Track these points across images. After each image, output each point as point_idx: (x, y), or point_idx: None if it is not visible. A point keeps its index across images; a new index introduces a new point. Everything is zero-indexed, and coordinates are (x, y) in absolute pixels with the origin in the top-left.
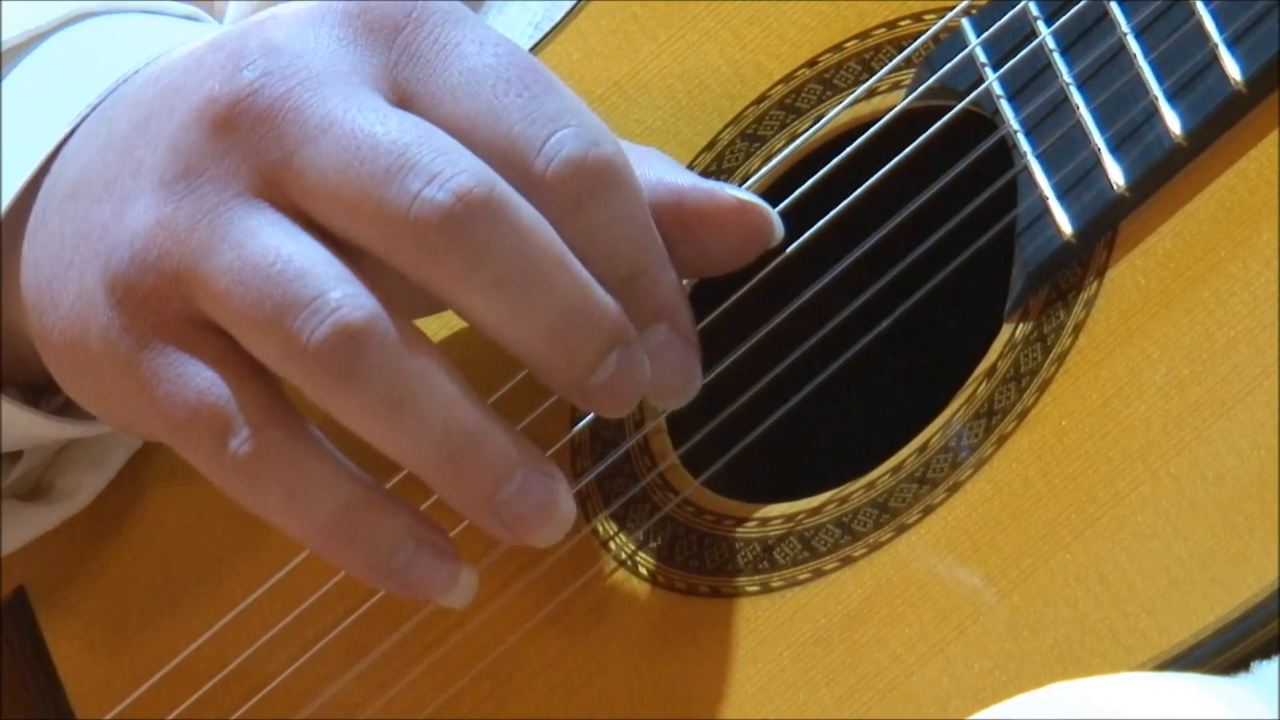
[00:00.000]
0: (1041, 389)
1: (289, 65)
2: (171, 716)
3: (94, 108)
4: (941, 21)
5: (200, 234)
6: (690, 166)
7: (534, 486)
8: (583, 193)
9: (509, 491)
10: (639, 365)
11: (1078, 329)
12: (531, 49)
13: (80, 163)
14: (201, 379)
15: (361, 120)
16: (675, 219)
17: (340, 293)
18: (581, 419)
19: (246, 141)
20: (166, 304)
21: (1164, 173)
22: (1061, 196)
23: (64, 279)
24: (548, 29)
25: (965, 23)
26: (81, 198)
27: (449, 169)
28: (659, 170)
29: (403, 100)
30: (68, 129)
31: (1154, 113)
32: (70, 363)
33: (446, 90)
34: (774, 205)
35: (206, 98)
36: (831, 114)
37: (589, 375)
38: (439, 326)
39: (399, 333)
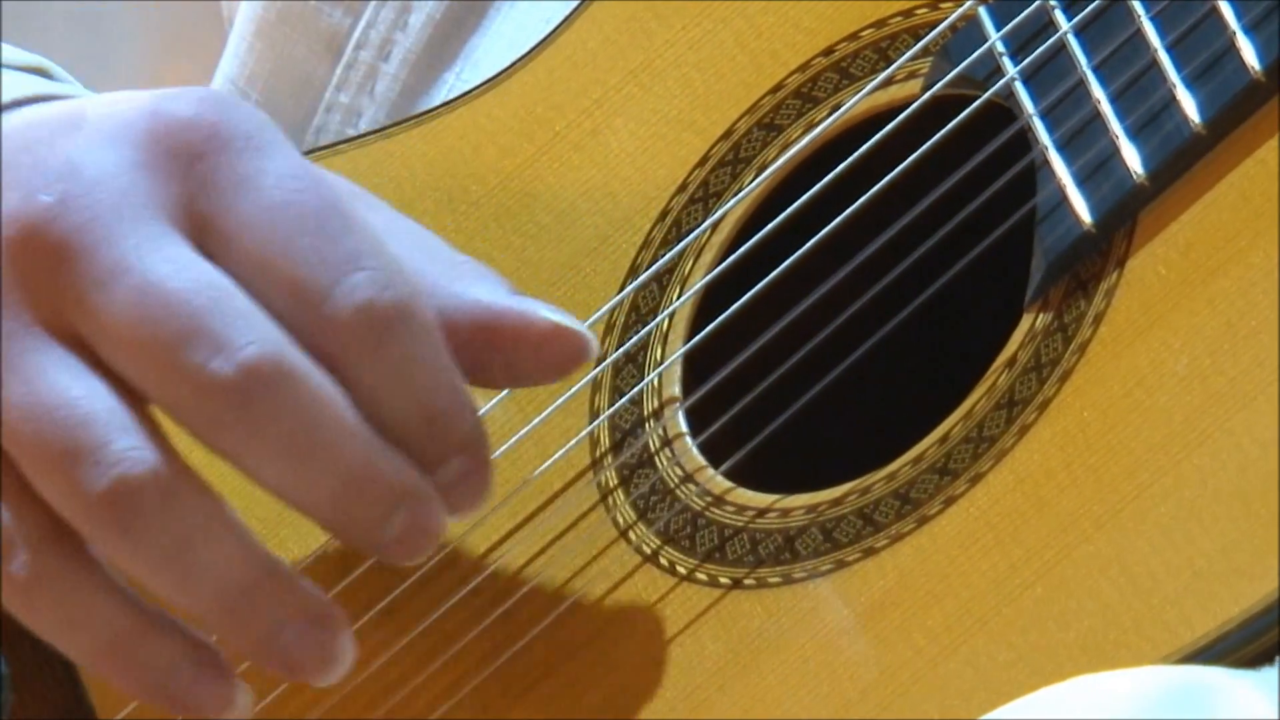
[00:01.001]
0: (1063, 379)
1: (86, 194)
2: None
3: None
4: (959, 10)
5: None
6: (707, 155)
7: (308, 636)
8: (374, 337)
9: (286, 638)
10: (428, 517)
11: (1098, 319)
12: (545, 38)
13: None
14: None
15: (153, 272)
16: (488, 340)
17: (123, 444)
18: (602, 412)
19: (38, 274)
20: None
21: (1184, 162)
22: (1081, 186)
23: None
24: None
25: (982, 11)
26: None
27: (237, 339)
28: (475, 290)
29: (199, 232)
30: None
31: (1173, 101)
32: None
33: (243, 229)
34: (794, 197)
35: (5, 216)
36: (850, 103)
37: (378, 535)
38: None
39: (180, 486)
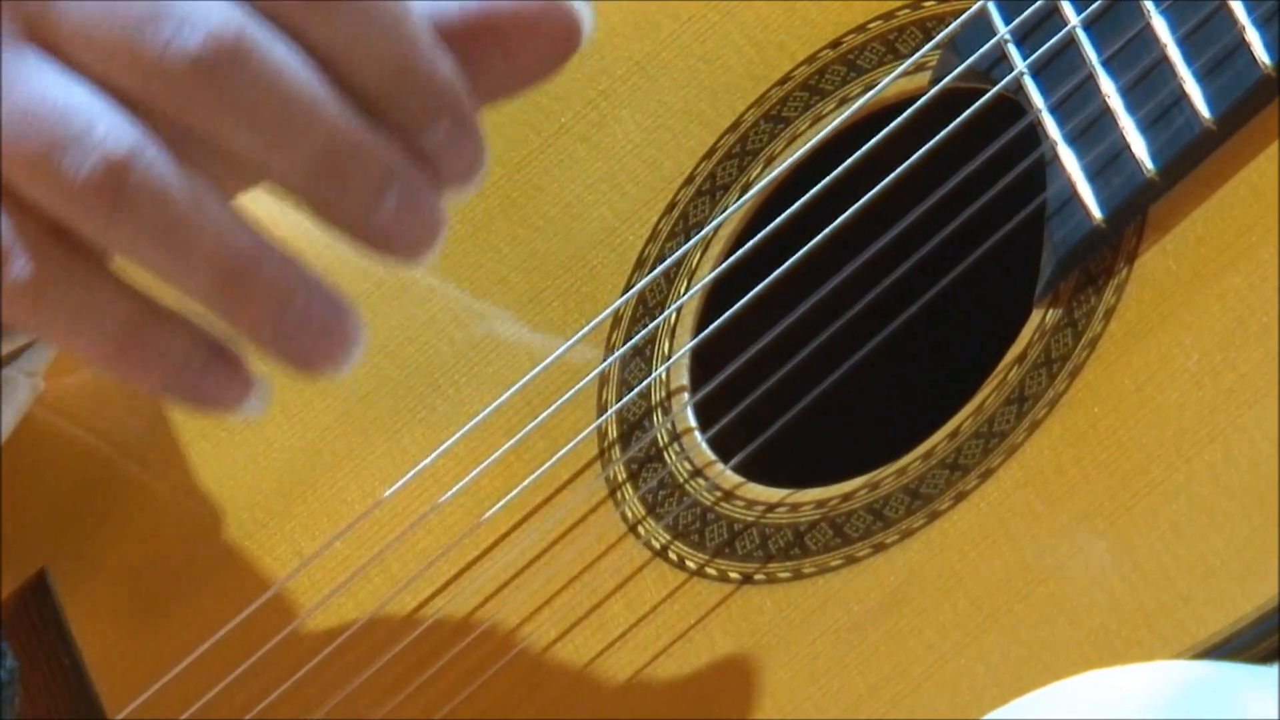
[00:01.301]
0: (1073, 375)
1: None
2: (199, 703)
3: None
4: (974, 8)
5: None
6: (714, 148)
7: (318, 308)
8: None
9: (294, 314)
10: (421, 195)
11: (1109, 314)
12: None
13: None
14: None
15: None
16: (484, 36)
17: (105, 125)
18: (610, 406)
19: None
20: None
21: (1194, 157)
22: (1091, 180)
23: None
24: None
25: (991, 4)
26: None
27: (197, 14)
28: None
29: None
30: None
31: (1183, 97)
32: None
33: None
34: (802, 190)
35: None
36: (861, 101)
37: (370, 213)
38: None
39: (166, 160)
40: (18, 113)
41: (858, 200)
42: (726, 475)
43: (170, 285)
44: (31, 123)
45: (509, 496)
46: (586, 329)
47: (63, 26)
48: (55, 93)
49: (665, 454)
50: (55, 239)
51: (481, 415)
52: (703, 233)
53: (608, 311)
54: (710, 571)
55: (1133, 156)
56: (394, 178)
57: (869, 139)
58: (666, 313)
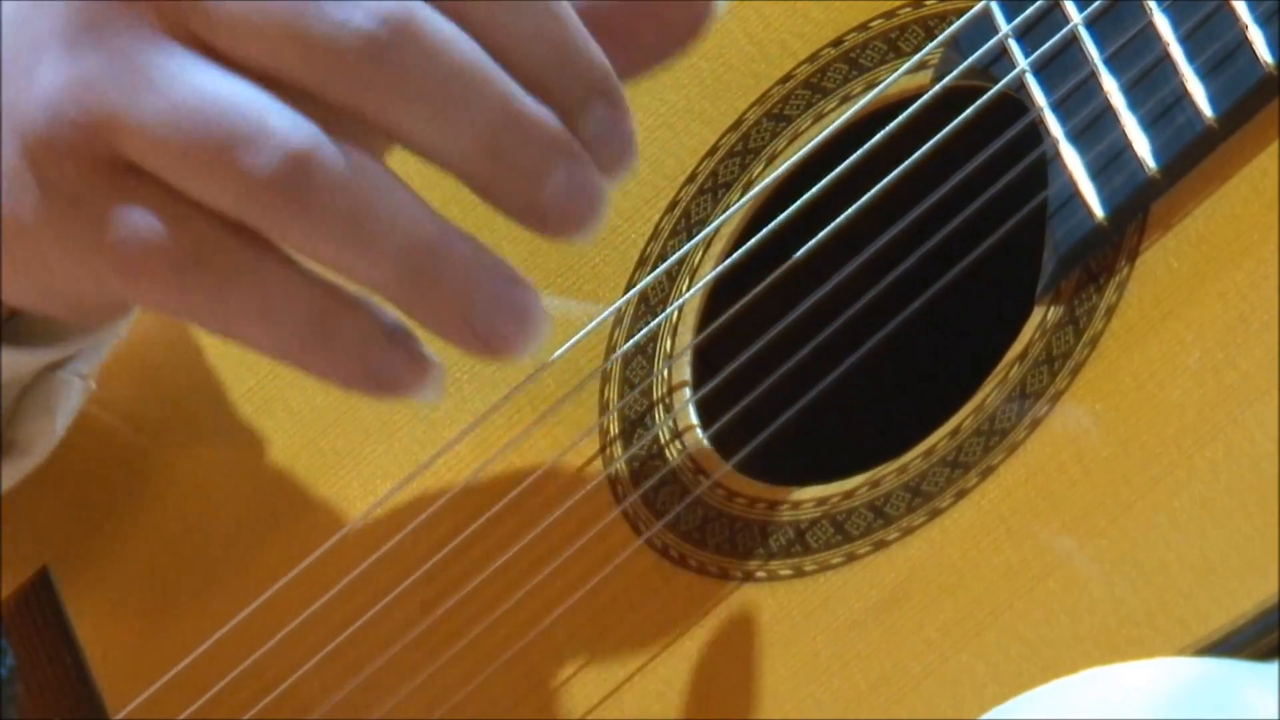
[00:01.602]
0: (1074, 372)
1: None
2: (200, 701)
3: None
4: (977, 7)
5: (118, 83)
6: (716, 146)
7: (505, 295)
8: None
9: (481, 300)
10: (587, 175)
11: (1110, 312)
12: None
13: None
14: (148, 216)
15: None
16: (625, 19)
17: (280, 121)
18: (612, 404)
19: None
20: (94, 156)
21: (1195, 155)
22: (1093, 178)
23: None
24: None
25: (993, 2)
26: None
27: (364, 5)
28: None
29: None
30: None
31: (1185, 95)
32: (8, 250)
33: None
34: (804, 189)
35: None
36: (862, 102)
37: (539, 189)
38: None
39: (345, 152)
40: (184, 113)
41: (859, 198)
42: (728, 473)
43: (352, 278)
44: (199, 122)
45: (510, 495)
46: (588, 327)
47: (214, 20)
48: (218, 89)
49: (667, 451)
50: (233, 234)
51: (484, 414)
52: (705, 231)
53: (610, 310)
54: (711, 569)
55: (1134, 154)
56: (562, 152)
57: (871, 137)
58: (668, 311)
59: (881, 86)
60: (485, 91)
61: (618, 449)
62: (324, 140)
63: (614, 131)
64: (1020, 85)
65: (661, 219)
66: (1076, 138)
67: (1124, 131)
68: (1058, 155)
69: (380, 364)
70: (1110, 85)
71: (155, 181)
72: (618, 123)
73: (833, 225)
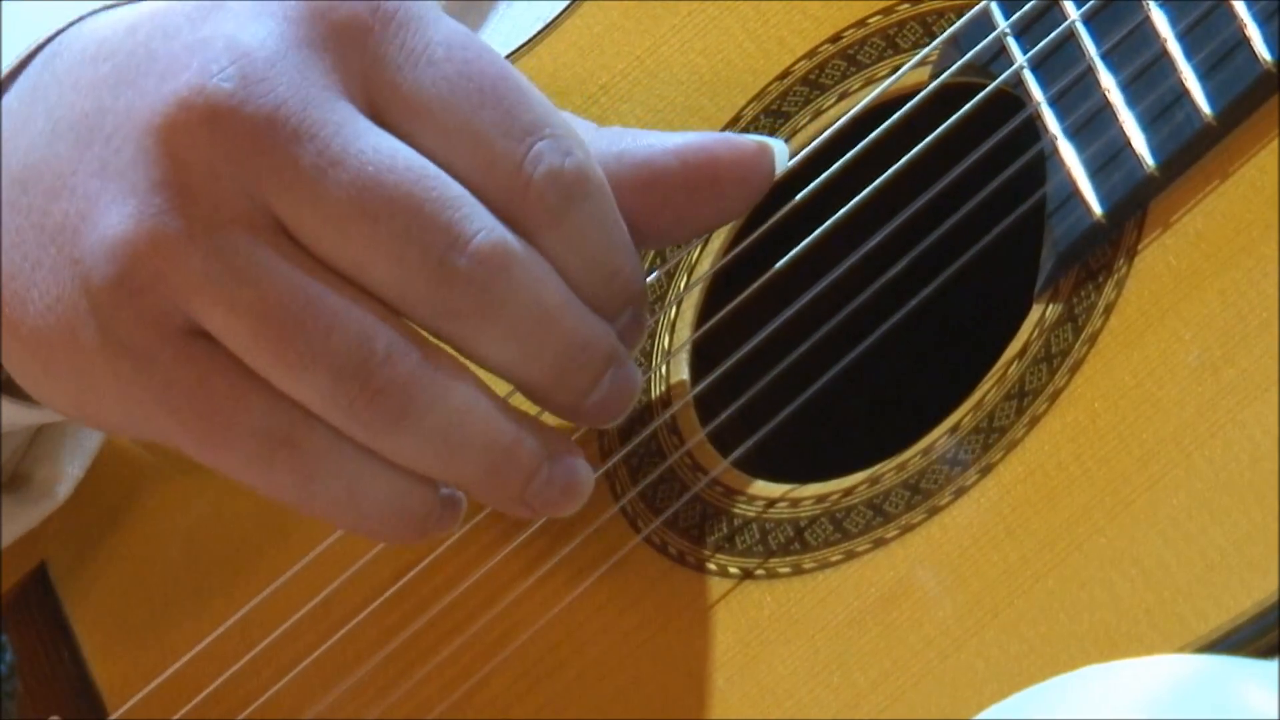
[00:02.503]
0: (1073, 370)
1: (265, 76)
2: (199, 697)
3: (16, 72)
4: (978, 7)
5: (199, 262)
6: None
7: (559, 474)
8: (563, 204)
9: (538, 483)
10: (631, 379)
11: (1109, 310)
12: (551, 22)
13: (21, 149)
14: (238, 394)
15: (366, 161)
16: (694, 182)
17: (379, 337)
18: None
19: (233, 163)
20: (165, 317)
21: (1194, 152)
22: (1091, 176)
23: (30, 278)
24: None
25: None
26: (34, 190)
27: (466, 230)
28: (657, 140)
29: (376, 113)
30: None
31: (1183, 92)
32: (49, 366)
33: (422, 106)
34: (802, 185)
35: (176, 103)
36: (868, 99)
37: (586, 399)
38: None
39: (428, 362)
40: (275, 312)
41: (858, 194)
42: (726, 470)
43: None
44: (288, 326)
45: None
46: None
47: (308, 218)
48: (307, 294)
49: (665, 448)
50: (322, 423)
51: None
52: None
53: None
54: (710, 567)
55: (1133, 152)
56: (612, 364)
57: (869, 134)
58: (667, 307)
59: (882, 87)
60: (561, 324)
61: (615, 446)
62: (415, 354)
63: (636, 328)
64: (1018, 82)
65: None
66: (1075, 135)
67: (1122, 129)
68: (1056, 152)
69: (436, 526)
70: (1109, 82)
71: (232, 356)
72: (639, 320)
73: (831, 221)
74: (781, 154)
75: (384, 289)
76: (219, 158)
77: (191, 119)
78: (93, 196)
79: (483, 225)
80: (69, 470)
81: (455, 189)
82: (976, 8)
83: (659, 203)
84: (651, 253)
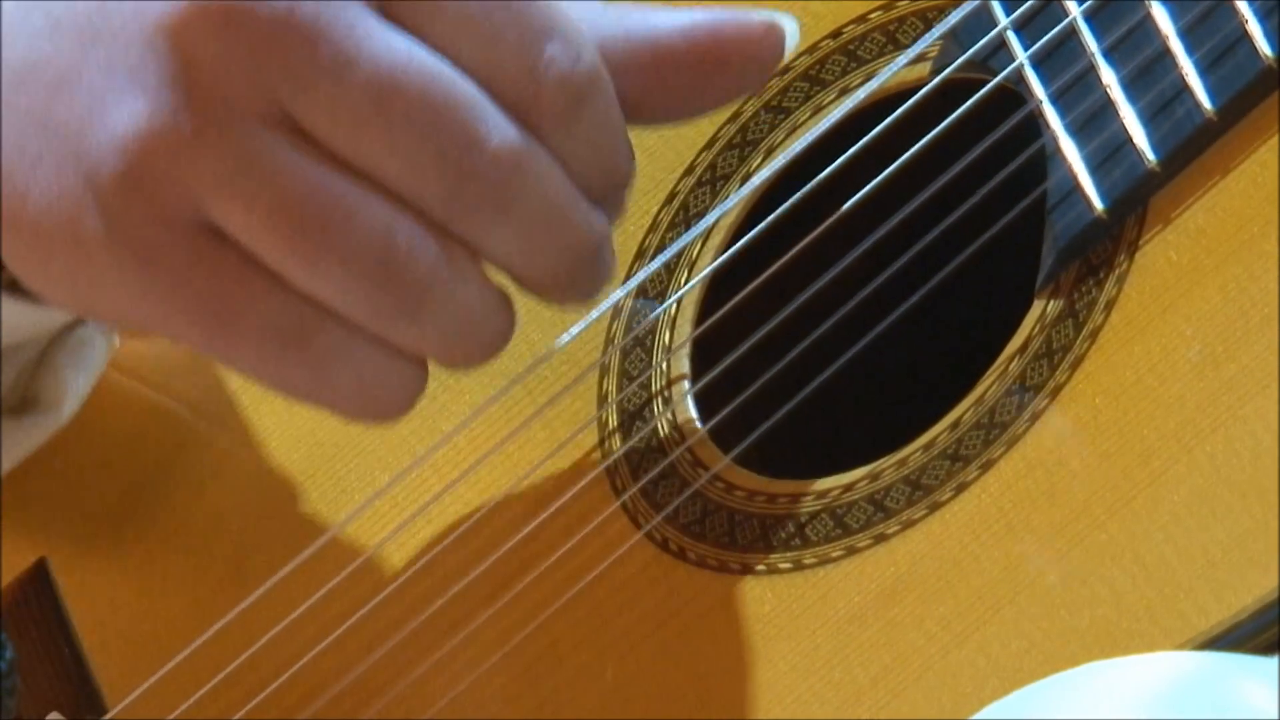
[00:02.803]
0: (1074, 366)
1: None
2: (200, 693)
3: None
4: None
5: (212, 159)
6: (714, 138)
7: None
8: (572, 108)
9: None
10: (613, 260)
11: (1110, 305)
12: None
13: (19, 47)
14: (250, 289)
15: (384, 61)
16: (705, 59)
17: (398, 230)
18: (611, 397)
19: (248, 62)
20: (174, 213)
21: (1195, 148)
22: (1092, 171)
23: (30, 174)
24: None
25: None
26: (34, 88)
27: (485, 130)
28: (665, 18)
29: (387, 13)
30: None
31: (1184, 88)
32: (49, 261)
33: (433, 5)
34: (802, 181)
35: (188, 1)
36: (864, 92)
37: (580, 287)
38: None
39: (445, 255)
40: (290, 205)
41: (858, 191)
42: (727, 466)
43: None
44: (305, 219)
45: (510, 487)
46: (587, 320)
47: (330, 112)
48: (319, 182)
49: (666, 445)
50: (333, 316)
51: (482, 406)
52: (703, 223)
53: (608, 302)
54: (711, 563)
55: (1134, 147)
56: (604, 249)
57: (870, 130)
58: (667, 303)
59: (878, 80)
60: (571, 223)
61: (616, 442)
62: (433, 247)
63: (620, 215)
64: (1019, 78)
65: (660, 211)
66: (1076, 130)
67: (1123, 124)
68: (1057, 148)
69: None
70: (1110, 78)
71: (244, 251)
72: (623, 208)
73: (832, 218)
74: (792, 33)
75: (399, 186)
76: (233, 57)
77: (205, 18)
78: (99, 93)
79: (498, 126)
80: (73, 386)
81: (470, 90)
82: (977, 3)
83: (665, 82)
84: (652, 246)
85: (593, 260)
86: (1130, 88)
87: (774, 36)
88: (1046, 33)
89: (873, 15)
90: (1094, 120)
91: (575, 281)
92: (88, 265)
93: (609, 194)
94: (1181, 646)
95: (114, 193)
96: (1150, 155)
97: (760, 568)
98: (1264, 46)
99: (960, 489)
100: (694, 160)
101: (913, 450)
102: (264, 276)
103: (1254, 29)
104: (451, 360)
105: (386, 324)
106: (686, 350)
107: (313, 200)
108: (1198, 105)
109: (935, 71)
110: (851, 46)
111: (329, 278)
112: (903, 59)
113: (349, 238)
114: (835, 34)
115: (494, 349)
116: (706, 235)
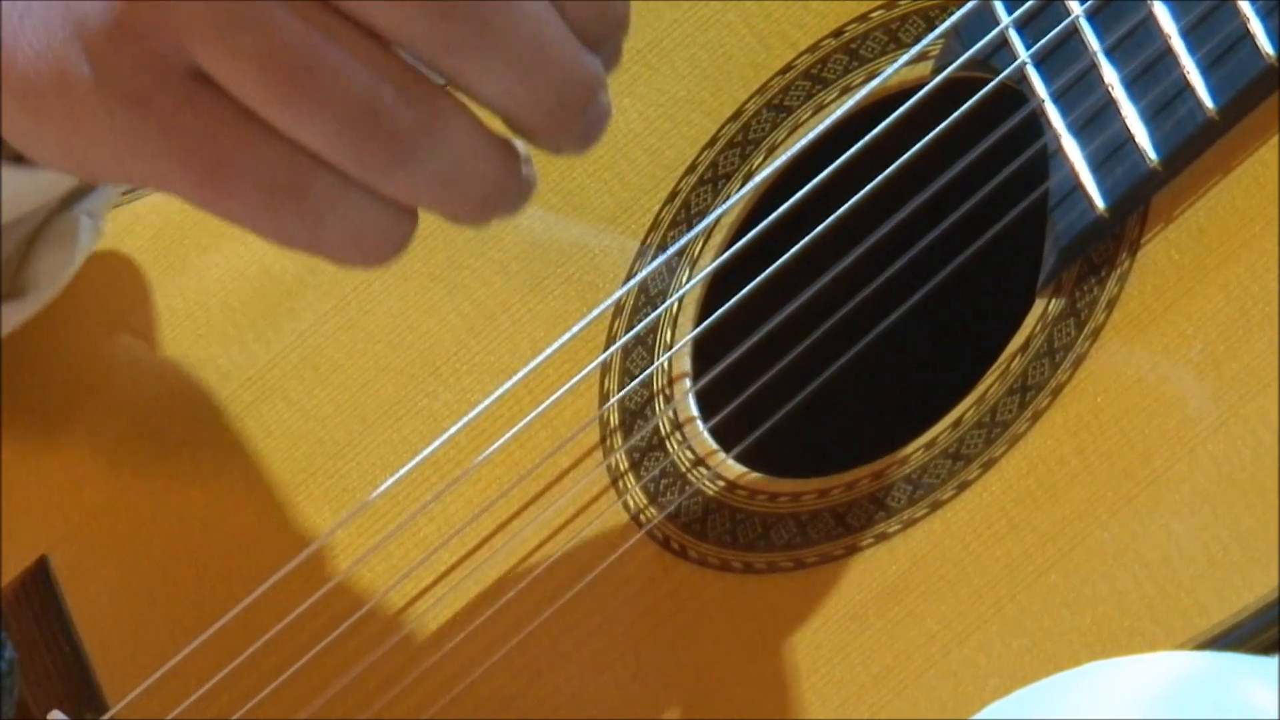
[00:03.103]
0: (1076, 365)
1: None
2: (200, 691)
3: None
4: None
5: (202, 6)
6: (716, 136)
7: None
8: None
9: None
10: (608, 108)
11: (1111, 304)
12: None
13: None
14: (242, 137)
15: None
16: None
17: (387, 77)
18: (612, 395)
19: None
20: (163, 59)
21: (1197, 147)
22: (1094, 170)
23: (19, 25)
24: None
25: None
26: None
27: None
28: None
29: None
30: None
31: (1186, 86)
32: (39, 116)
33: None
34: (804, 180)
35: None
36: (866, 90)
37: (571, 130)
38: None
39: (434, 100)
40: (277, 54)
41: (860, 189)
42: (729, 465)
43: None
44: (289, 68)
45: (511, 485)
46: (589, 318)
47: None
48: (298, 30)
49: (667, 443)
50: (326, 165)
51: (484, 404)
52: (705, 222)
53: (610, 300)
54: (712, 561)
55: (1136, 146)
56: (596, 95)
57: (871, 128)
58: (668, 302)
59: (880, 79)
60: (558, 58)
61: (618, 440)
62: (422, 92)
63: (616, 57)
64: (1021, 77)
65: (662, 209)
66: (1078, 129)
67: (1125, 123)
68: (1059, 147)
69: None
70: (1111, 77)
71: (236, 101)
72: (619, 50)
73: (833, 217)
74: None
75: (386, 26)
76: None
77: None
78: None
79: None
80: (55, 272)
81: None
82: (979, 2)
83: None
84: (654, 244)
85: (587, 101)
86: (1132, 87)
87: None
88: (1048, 32)
89: (875, 14)
90: (1096, 119)
91: (569, 123)
92: (79, 115)
93: (605, 37)
94: (1182, 645)
95: (103, 40)
96: (1152, 154)
97: (761, 566)
98: (1266, 46)
99: (962, 488)
100: (696, 158)
101: (914, 449)
102: (256, 125)
103: (1256, 28)
104: (449, 211)
105: (377, 172)
106: (688, 348)
107: (302, 46)
108: (1199, 104)
109: (937, 70)
110: (853, 45)
111: (318, 125)
112: (905, 58)
113: (337, 83)
114: (837, 32)
115: (494, 201)
116: (708, 233)
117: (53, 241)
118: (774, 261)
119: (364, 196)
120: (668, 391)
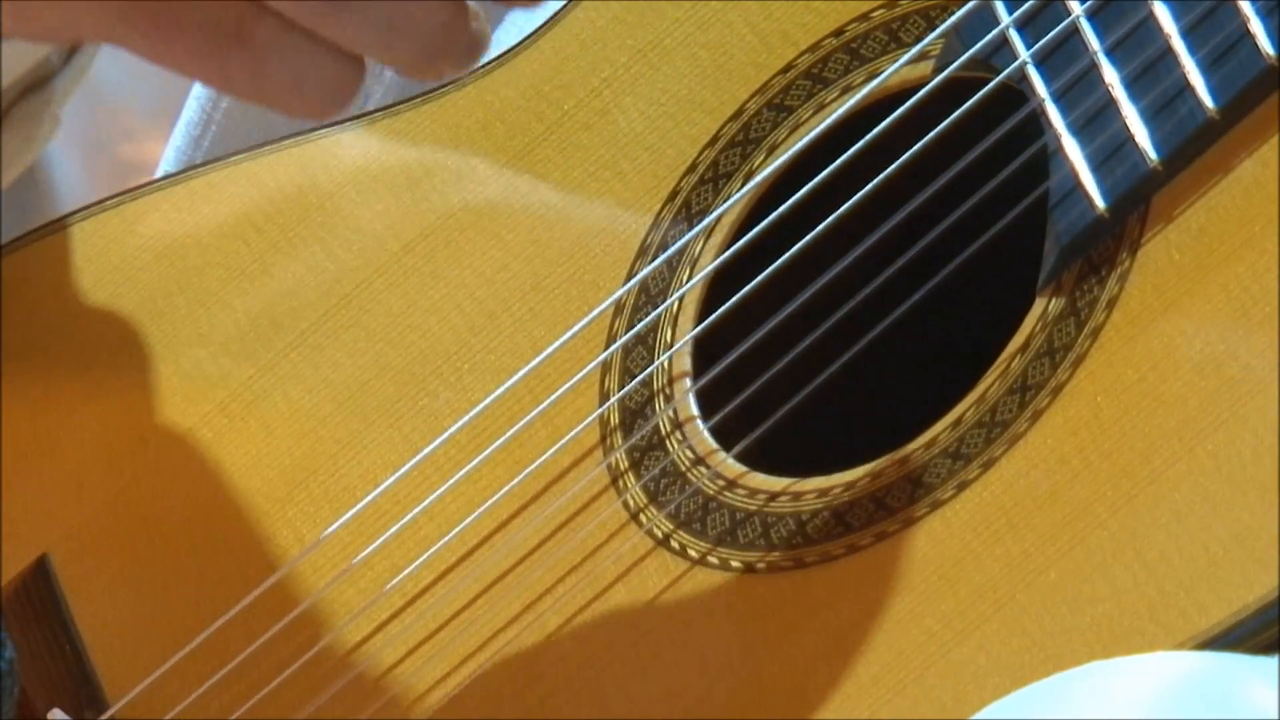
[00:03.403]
0: (1076, 364)
1: None
2: (201, 690)
3: None
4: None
5: None
6: (717, 136)
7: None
8: None
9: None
10: (480, 38)
11: (1111, 304)
12: (554, 16)
13: None
14: None
15: None
16: None
17: None
18: (612, 394)
19: None
20: None
21: (1197, 146)
22: (1094, 170)
23: None
24: None
25: None
26: None
27: None
28: None
29: None
30: None
31: (1187, 86)
32: None
33: None
34: (805, 179)
35: None
36: (867, 89)
37: (448, 59)
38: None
39: None
40: None
41: (860, 189)
42: (728, 464)
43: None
44: None
45: (511, 484)
46: (589, 317)
47: None
48: None
49: (667, 442)
50: (270, 12)
51: (484, 402)
52: (705, 221)
53: (610, 299)
54: (712, 560)
55: (1136, 146)
56: (471, 18)
57: (872, 128)
58: (669, 301)
59: (881, 78)
60: (414, 12)
61: (618, 439)
62: None
63: None
64: (1022, 76)
65: (662, 208)
66: (1078, 129)
67: (1126, 123)
68: (1059, 147)
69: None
70: (1112, 77)
71: None
72: None
73: (834, 216)
74: None
75: None
76: None
77: None
78: None
79: None
80: (17, 144)
81: None
82: (980, 1)
83: None
84: (654, 243)
85: (452, 44)
86: (1132, 86)
87: None
88: (1049, 31)
89: (875, 13)
90: (1096, 119)
91: (440, 63)
92: None
93: None
94: (1182, 645)
95: None
96: (1152, 154)
97: (761, 565)
98: (1266, 45)
99: (961, 487)
100: (696, 158)
101: (914, 448)
102: None
103: (1256, 28)
104: (391, 57)
105: (319, 16)
106: (688, 347)
107: None
108: (1200, 104)
109: (938, 70)
110: (854, 44)
111: None
112: (905, 57)
113: None
114: (838, 32)
115: (436, 50)
116: (708, 233)
117: (15, 126)
118: (774, 260)
119: (306, 42)
120: (668, 390)
